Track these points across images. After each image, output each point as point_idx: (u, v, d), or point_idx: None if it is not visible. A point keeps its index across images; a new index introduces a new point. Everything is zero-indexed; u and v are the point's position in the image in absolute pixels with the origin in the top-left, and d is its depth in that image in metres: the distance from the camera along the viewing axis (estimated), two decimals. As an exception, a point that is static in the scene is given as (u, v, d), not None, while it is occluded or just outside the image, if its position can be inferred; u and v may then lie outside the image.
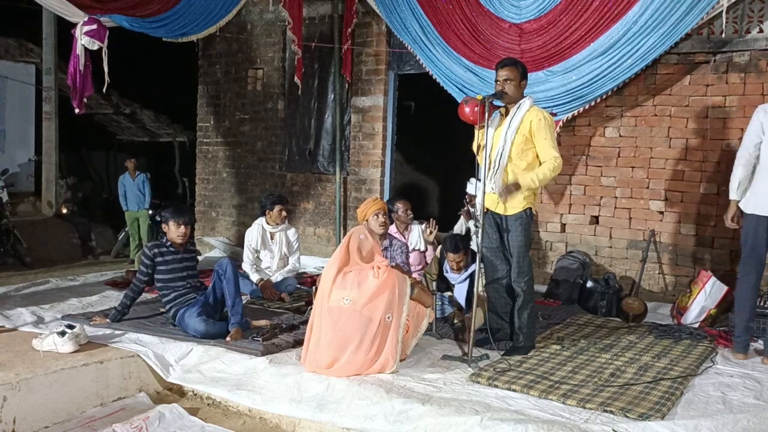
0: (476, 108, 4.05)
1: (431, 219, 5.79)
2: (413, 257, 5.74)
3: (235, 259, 7.09)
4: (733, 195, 4.30)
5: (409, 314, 3.92)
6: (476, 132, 4.21)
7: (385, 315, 3.76)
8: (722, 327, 4.93)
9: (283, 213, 5.76)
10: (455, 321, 4.86)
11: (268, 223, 5.78)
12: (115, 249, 9.79)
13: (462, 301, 4.92)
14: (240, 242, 7.14)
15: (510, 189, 4.05)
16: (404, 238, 5.83)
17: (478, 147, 4.14)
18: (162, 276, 4.52)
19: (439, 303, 4.91)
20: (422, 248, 5.93)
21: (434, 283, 5.23)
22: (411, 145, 8.52)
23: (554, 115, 5.73)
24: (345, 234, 7.37)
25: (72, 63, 5.63)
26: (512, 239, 4.19)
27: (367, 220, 4.92)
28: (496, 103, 4.19)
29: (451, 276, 5.02)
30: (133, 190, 8.72)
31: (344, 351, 3.73)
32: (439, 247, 5.46)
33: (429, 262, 5.94)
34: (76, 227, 10.10)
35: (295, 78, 7.21)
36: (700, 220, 5.69)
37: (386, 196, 7.23)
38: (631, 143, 5.97)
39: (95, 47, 5.56)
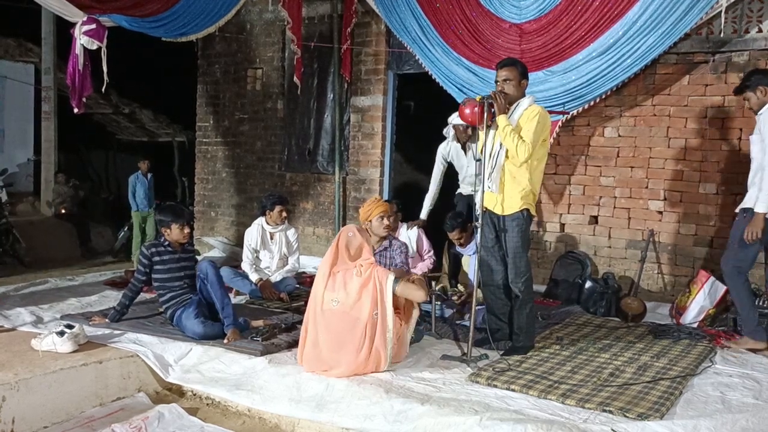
0: (476, 109, 4.05)
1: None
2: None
3: (235, 258, 7.15)
4: (766, 209, 4.19)
5: (399, 309, 3.88)
6: (477, 132, 4.22)
7: (372, 312, 3.73)
8: (721, 327, 4.94)
9: (284, 213, 5.75)
10: (454, 315, 4.87)
11: (267, 223, 5.78)
12: (116, 248, 9.82)
13: (472, 275, 4.83)
14: (239, 242, 7.14)
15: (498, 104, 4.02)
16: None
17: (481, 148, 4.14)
18: (159, 276, 4.52)
19: (438, 303, 4.90)
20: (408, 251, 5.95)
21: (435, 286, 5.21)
22: (410, 145, 8.51)
23: (566, 113, 5.73)
24: (344, 234, 7.41)
25: (71, 63, 5.62)
26: (509, 240, 4.18)
27: (370, 221, 4.81)
28: None
29: (460, 250, 5.36)
30: (144, 191, 9.04)
31: (340, 353, 3.72)
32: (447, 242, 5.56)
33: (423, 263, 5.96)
34: (75, 227, 10.10)
35: (295, 78, 7.20)
36: (699, 220, 5.69)
37: (386, 196, 7.23)
38: (630, 143, 5.97)
39: (94, 47, 5.55)
